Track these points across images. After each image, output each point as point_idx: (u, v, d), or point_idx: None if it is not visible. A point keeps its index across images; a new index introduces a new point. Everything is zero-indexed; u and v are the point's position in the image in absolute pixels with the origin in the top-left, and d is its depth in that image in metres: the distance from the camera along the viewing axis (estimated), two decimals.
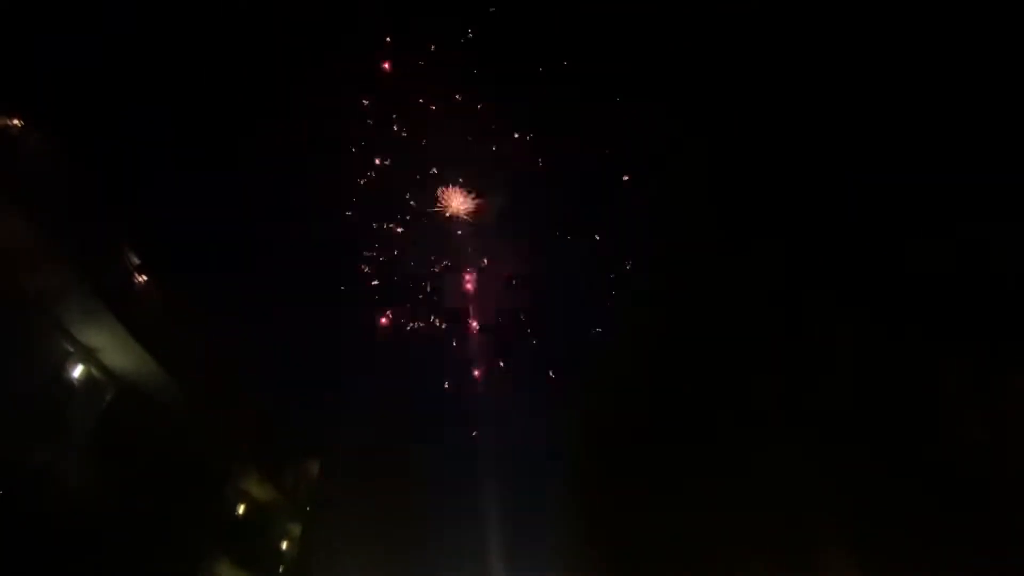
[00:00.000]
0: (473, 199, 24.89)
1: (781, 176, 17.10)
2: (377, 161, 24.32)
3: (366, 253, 26.35)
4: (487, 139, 23.97)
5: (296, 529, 24.16)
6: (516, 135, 23.86)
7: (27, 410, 11.08)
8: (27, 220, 9.91)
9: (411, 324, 27.69)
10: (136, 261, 13.91)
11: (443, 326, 28.18)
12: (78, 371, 12.81)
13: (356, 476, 28.39)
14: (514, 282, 27.96)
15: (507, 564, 34.62)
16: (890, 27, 13.90)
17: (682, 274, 21.34)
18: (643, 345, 23.86)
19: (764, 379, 17.21)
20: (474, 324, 28.92)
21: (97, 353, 13.02)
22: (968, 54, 12.21)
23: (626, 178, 23.85)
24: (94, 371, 13.21)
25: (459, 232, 26.09)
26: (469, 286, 27.88)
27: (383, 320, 27.74)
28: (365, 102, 23.37)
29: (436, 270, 27.42)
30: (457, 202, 24.93)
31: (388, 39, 22.24)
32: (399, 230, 25.78)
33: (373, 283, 26.96)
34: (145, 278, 14.02)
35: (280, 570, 22.81)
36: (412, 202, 24.96)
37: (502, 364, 30.58)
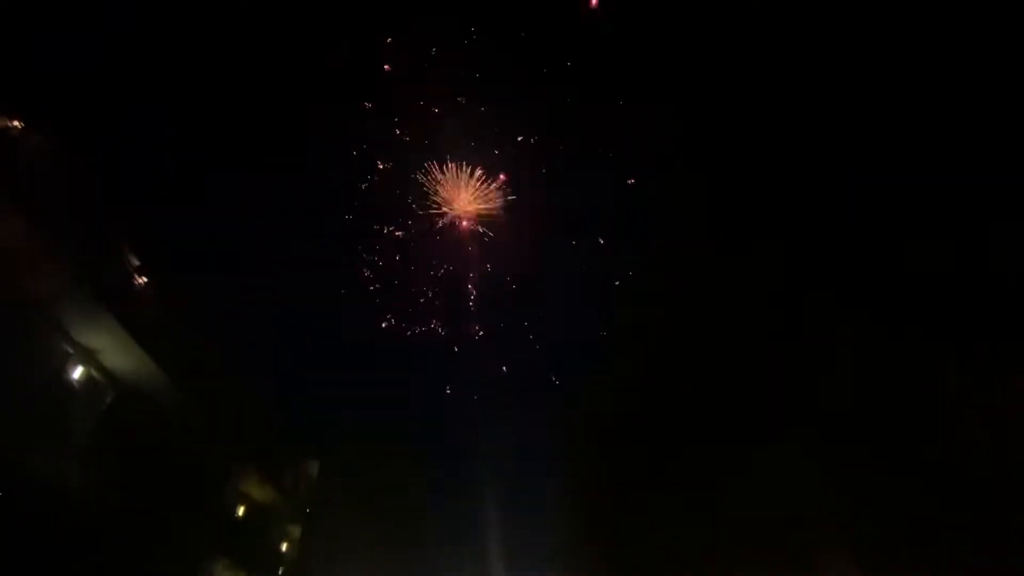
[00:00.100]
0: (476, 201, 24.87)
1: (781, 176, 17.10)
2: (380, 165, 24.29)
3: (367, 256, 26.34)
4: (489, 141, 23.95)
5: (296, 530, 24.14)
6: (520, 138, 23.85)
7: (27, 411, 11.06)
8: (27, 221, 9.89)
9: (412, 328, 27.68)
10: (136, 262, 13.89)
11: (443, 332, 28.17)
12: (78, 372, 12.79)
13: (356, 477, 28.37)
14: (515, 287, 27.96)
15: (507, 564, 34.66)
16: (890, 28, 13.91)
17: (682, 274, 21.33)
18: (643, 345, 23.85)
19: (764, 379, 17.21)
20: (475, 326, 28.91)
21: (97, 354, 13.00)
22: (968, 55, 12.23)
23: (631, 181, 23.80)
24: (94, 372, 13.19)
25: (461, 234, 26.09)
26: (471, 288, 27.87)
27: (384, 323, 27.74)
28: (367, 104, 23.36)
29: (437, 273, 27.42)
30: (460, 204, 24.91)
31: (389, 40, 22.23)
32: (399, 233, 25.76)
33: (375, 285, 26.95)
34: (145, 279, 14.00)
35: (280, 571, 22.79)
36: (414, 205, 24.93)
37: (504, 369, 30.60)
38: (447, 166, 23.86)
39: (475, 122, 23.62)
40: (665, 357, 21.87)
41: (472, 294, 27.99)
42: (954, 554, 11.15)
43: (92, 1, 15.67)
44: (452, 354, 29.90)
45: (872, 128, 14.36)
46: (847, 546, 13.90)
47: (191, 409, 15.24)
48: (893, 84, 13.97)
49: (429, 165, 23.92)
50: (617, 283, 26.51)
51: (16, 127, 10.60)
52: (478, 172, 24.10)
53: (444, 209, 25.06)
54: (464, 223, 25.55)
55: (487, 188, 24.42)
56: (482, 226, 25.68)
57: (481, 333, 29.03)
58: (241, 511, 20.52)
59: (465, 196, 24.71)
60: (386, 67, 22.79)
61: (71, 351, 12.47)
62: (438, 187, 24.42)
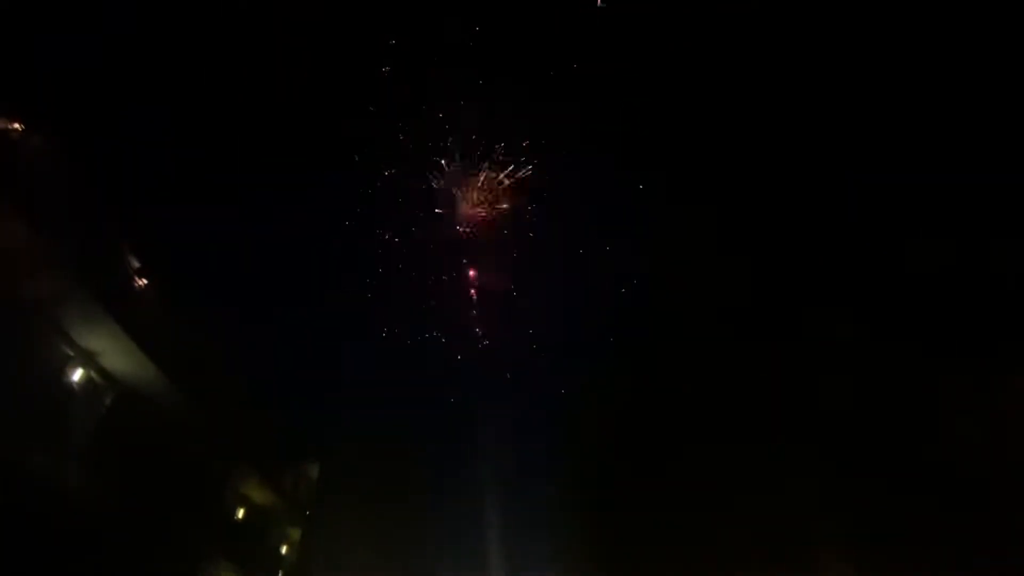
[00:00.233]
0: (478, 207, 24.85)
1: (781, 176, 17.14)
2: (385, 173, 24.27)
3: (368, 257, 26.33)
4: (492, 146, 23.91)
5: (296, 532, 24.08)
6: (523, 143, 23.78)
7: (28, 412, 11.04)
8: (27, 222, 9.87)
9: (413, 329, 27.67)
10: (136, 264, 13.86)
11: (443, 338, 28.18)
12: (78, 374, 12.76)
13: (356, 478, 28.34)
14: (515, 293, 27.95)
15: (507, 564, 34.65)
16: (890, 28, 13.95)
17: (682, 275, 21.36)
18: (643, 347, 23.88)
19: (764, 380, 17.24)
20: (477, 329, 28.92)
21: (97, 356, 12.97)
22: (968, 55, 12.26)
23: (640, 187, 23.68)
24: (94, 375, 13.17)
25: (463, 240, 26.06)
26: (473, 293, 27.88)
27: (384, 323, 27.73)
28: (371, 107, 23.34)
29: (438, 276, 27.41)
30: (464, 208, 24.89)
31: (392, 41, 22.20)
32: (400, 235, 25.76)
33: (375, 288, 26.95)
34: (145, 281, 13.98)
35: (279, 574, 22.74)
36: (417, 211, 24.95)
37: (508, 376, 30.57)
38: (450, 169, 23.89)
39: (476, 125, 23.62)
40: (665, 357, 21.90)
41: (473, 296, 28.00)
42: (954, 554, 11.17)
43: (92, 1, 15.66)
44: (452, 355, 29.93)
45: (872, 129, 14.41)
46: (847, 546, 13.92)
47: (191, 410, 15.22)
48: (893, 85, 14.02)
49: (431, 168, 23.95)
50: (617, 284, 26.51)
51: (16, 128, 10.59)
52: (480, 176, 24.12)
53: (447, 212, 25.08)
54: (466, 225, 25.56)
55: (490, 191, 24.41)
56: (482, 227, 25.69)
57: (481, 335, 29.05)
58: (241, 513, 20.48)
59: (467, 200, 24.73)
60: (385, 68, 22.77)
61: (71, 353, 12.44)
62: (440, 190, 24.46)
